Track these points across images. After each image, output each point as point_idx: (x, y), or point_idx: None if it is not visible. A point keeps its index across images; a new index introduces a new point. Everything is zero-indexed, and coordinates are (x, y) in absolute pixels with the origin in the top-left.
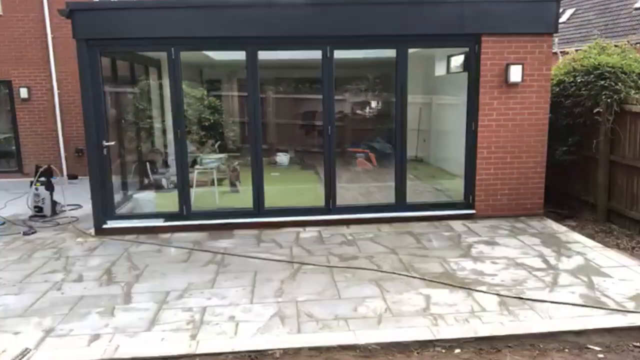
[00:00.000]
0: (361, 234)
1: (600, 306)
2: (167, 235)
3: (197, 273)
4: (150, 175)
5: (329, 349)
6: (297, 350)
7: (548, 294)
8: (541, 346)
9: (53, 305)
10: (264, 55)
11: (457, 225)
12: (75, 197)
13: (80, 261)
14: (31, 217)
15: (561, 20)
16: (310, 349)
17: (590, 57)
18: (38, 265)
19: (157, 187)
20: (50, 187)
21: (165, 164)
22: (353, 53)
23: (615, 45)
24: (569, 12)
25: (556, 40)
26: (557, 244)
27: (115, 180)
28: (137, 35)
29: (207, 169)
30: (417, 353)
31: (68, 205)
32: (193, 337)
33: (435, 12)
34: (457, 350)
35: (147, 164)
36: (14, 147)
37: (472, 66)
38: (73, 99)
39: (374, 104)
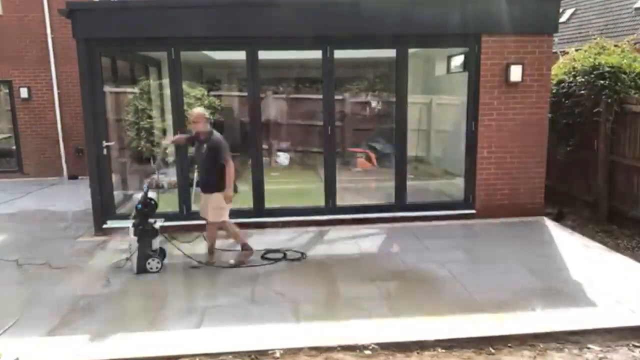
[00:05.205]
0: (361, 233)
1: (601, 306)
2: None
3: None
4: (151, 174)
5: (328, 348)
6: (297, 350)
7: (548, 294)
8: (541, 346)
9: None
10: (264, 55)
11: (457, 225)
12: (76, 196)
13: None
14: None
15: (561, 20)
16: (310, 348)
17: (590, 57)
18: None
19: (157, 186)
20: None
21: (165, 164)
22: (353, 53)
23: (616, 45)
24: (569, 12)
25: (556, 40)
26: (557, 243)
27: (115, 180)
28: (137, 35)
29: None
30: (417, 353)
31: None
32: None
33: (435, 12)
34: (457, 350)
35: (152, 159)
36: (14, 147)
37: (472, 66)
38: (73, 99)
39: (374, 104)
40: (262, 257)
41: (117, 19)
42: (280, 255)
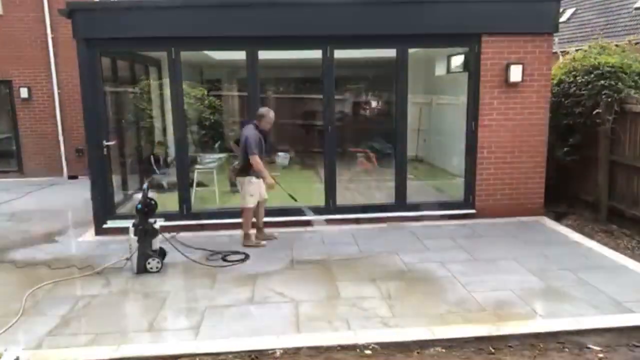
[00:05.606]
0: (361, 233)
1: (601, 306)
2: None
3: None
4: (152, 174)
5: (328, 348)
6: (297, 350)
7: (548, 294)
8: (541, 346)
9: None
10: (264, 55)
11: (457, 224)
12: (76, 196)
13: None
14: None
15: (561, 20)
16: (310, 348)
17: (590, 56)
18: None
19: (158, 186)
20: None
21: (166, 164)
22: (353, 53)
23: (616, 45)
24: (569, 12)
25: (556, 40)
26: (557, 243)
27: (116, 179)
28: (137, 35)
29: (207, 168)
30: (417, 353)
31: None
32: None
33: (435, 12)
34: (457, 350)
35: (152, 158)
36: (14, 147)
37: (472, 66)
38: (73, 99)
39: (374, 104)
40: (222, 259)
41: (117, 19)
42: (242, 256)
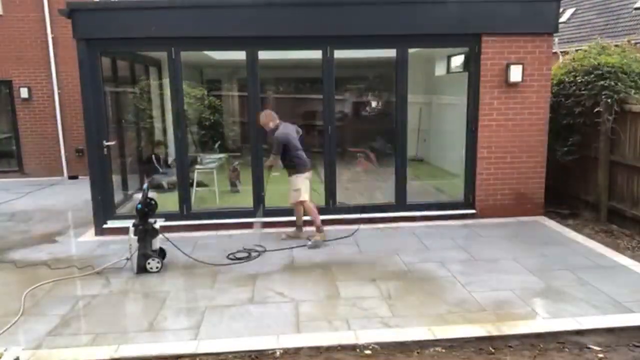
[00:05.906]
0: (361, 233)
1: (601, 306)
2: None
3: None
4: (153, 174)
5: (328, 348)
6: (297, 350)
7: (548, 294)
8: (541, 346)
9: None
10: (264, 55)
11: (457, 225)
12: (76, 196)
13: None
14: None
15: (561, 20)
16: (310, 348)
17: (590, 57)
18: None
19: (157, 187)
20: None
21: (166, 164)
22: (353, 53)
23: (616, 45)
24: (569, 12)
25: (556, 40)
26: (557, 243)
27: (116, 179)
28: (137, 35)
29: (207, 168)
30: (417, 353)
31: None
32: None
33: (435, 12)
34: (457, 350)
35: (153, 158)
36: (14, 147)
37: (472, 66)
38: (73, 99)
39: (374, 104)
40: (227, 257)
41: (117, 19)
42: (245, 254)
